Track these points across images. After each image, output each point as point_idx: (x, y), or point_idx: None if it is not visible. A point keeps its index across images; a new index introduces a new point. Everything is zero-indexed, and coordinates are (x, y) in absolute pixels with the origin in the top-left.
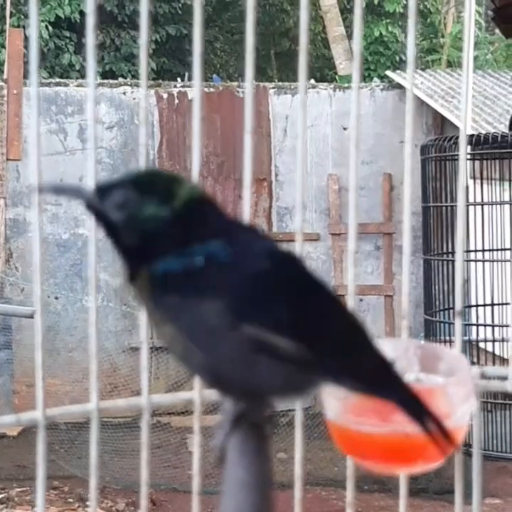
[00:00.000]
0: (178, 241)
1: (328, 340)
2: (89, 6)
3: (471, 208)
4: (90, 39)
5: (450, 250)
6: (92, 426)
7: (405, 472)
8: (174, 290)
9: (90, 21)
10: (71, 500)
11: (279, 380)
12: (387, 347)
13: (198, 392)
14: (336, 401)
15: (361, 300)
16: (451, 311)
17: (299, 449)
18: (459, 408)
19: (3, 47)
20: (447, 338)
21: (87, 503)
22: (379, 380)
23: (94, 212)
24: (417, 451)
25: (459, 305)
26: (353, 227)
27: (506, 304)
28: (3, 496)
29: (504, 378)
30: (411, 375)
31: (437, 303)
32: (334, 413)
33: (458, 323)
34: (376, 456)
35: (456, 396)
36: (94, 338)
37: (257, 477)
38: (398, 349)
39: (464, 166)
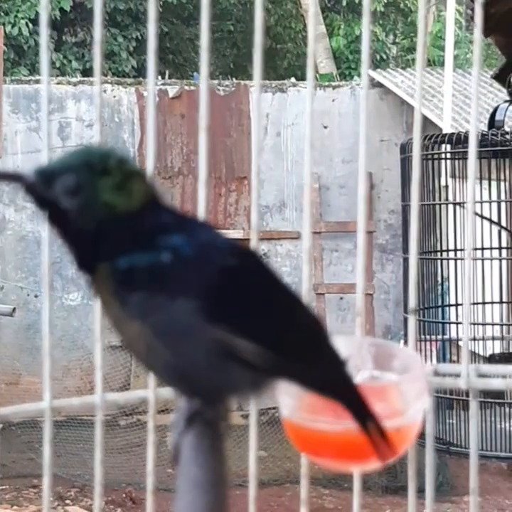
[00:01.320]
0: (137, 234)
1: (290, 342)
2: (43, 2)
3: (451, 206)
4: (43, 37)
5: (430, 249)
6: (45, 424)
7: (359, 469)
8: (141, 286)
9: (43, 17)
10: (51, 498)
11: (242, 382)
12: (341, 344)
13: (152, 391)
14: (291, 399)
15: (341, 298)
16: (432, 309)
17: (253, 449)
18: (412, 405)
19: None
20: (427, 336)
21: (67, 501)
22: (332, 381)
23: (38, 200)
24: (370, 449)
25: (412, 302)
26: (307, 230)
27: (486, 303)
28: None
29: (457, 375)
30: (365, 372)
31: (416, 301)
32: (289, 411)
33: (411, 321)
34: (330, 454)
35: (409, 393)
36: (47, 337)
37: (211, 476)
38: (352, 346)
39: (418, 164)
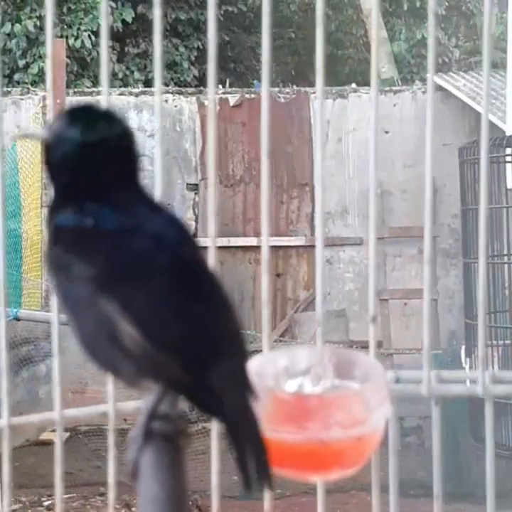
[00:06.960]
0: (84, 191)
1: (181, 344)
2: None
3: None
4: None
5: (490, 253)
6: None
7: (321, 479)
8: (60, 244)
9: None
10: (117, 506)
11: (124, 368)
12: (302, 355)
13: (112, 406)
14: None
15: (405, 304)
16: (493, 314)
17: (215, 460)
18: (374, 413)
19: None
20: (488, 341)
21: (133, 509)
22: (219, 402)
23: (49, 153)
24: (332, 458)
25: (372, 309)
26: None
27: None
28: (49, 502)
29: (418, 382)
30: (326, 381)
31: (478, 306)
32: None
33: (371, 329)
34: (293, 463)
35: (371, 401)
36: (3, 356)
37: (170, 491)
38: (313, 356)
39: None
